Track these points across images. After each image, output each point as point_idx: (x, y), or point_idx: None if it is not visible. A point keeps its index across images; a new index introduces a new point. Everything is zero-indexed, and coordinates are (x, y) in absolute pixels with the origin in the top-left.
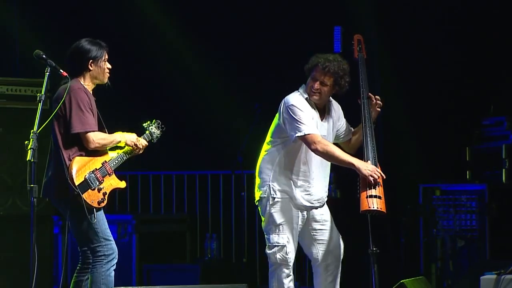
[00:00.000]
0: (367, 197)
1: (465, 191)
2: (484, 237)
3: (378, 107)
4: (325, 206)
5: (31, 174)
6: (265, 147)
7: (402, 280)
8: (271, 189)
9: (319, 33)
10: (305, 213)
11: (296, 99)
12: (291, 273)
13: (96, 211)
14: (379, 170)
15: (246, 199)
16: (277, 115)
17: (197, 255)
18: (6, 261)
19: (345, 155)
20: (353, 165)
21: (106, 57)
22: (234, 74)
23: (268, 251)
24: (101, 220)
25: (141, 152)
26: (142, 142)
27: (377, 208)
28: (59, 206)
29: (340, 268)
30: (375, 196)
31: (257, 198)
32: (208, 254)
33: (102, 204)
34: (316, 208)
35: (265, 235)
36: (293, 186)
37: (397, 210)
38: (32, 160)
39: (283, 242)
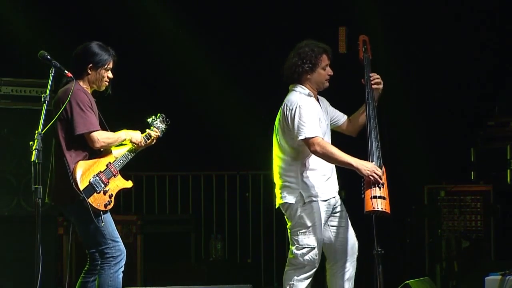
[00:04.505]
0: (371, 198)
1: (470, 192)
2: (489, 238)
3: (376, 84)
4: (343, 206)
5: (36, 174)
6: (279, 160)
7: (407, 281)
8: (301, 196)
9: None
10: (329, 212)
11: (301, 100)
12: (312, 276)
13: (103, 214)
14: (379, 169)
15: (251, 199)
16: (277, 123)
17: (202, 256)
18: (11, 262)
19: (344, 156)
20: (352, 165)
21: (110, 66)
22: (240, 74)
23: (296, 251)
24: (108, 222)
25: (154, 143)
26: (147, 139)
27: (381, 209)
28: (65, 211)
29: (355, 267)
30: (380, 197)
31: (280, 202)
32: (213, 254)
33: (109, 207)
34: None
35: (293, 237)
36: (322, 183)
37: (402, 210)
38: (36, 161)
39: (313, 244)
